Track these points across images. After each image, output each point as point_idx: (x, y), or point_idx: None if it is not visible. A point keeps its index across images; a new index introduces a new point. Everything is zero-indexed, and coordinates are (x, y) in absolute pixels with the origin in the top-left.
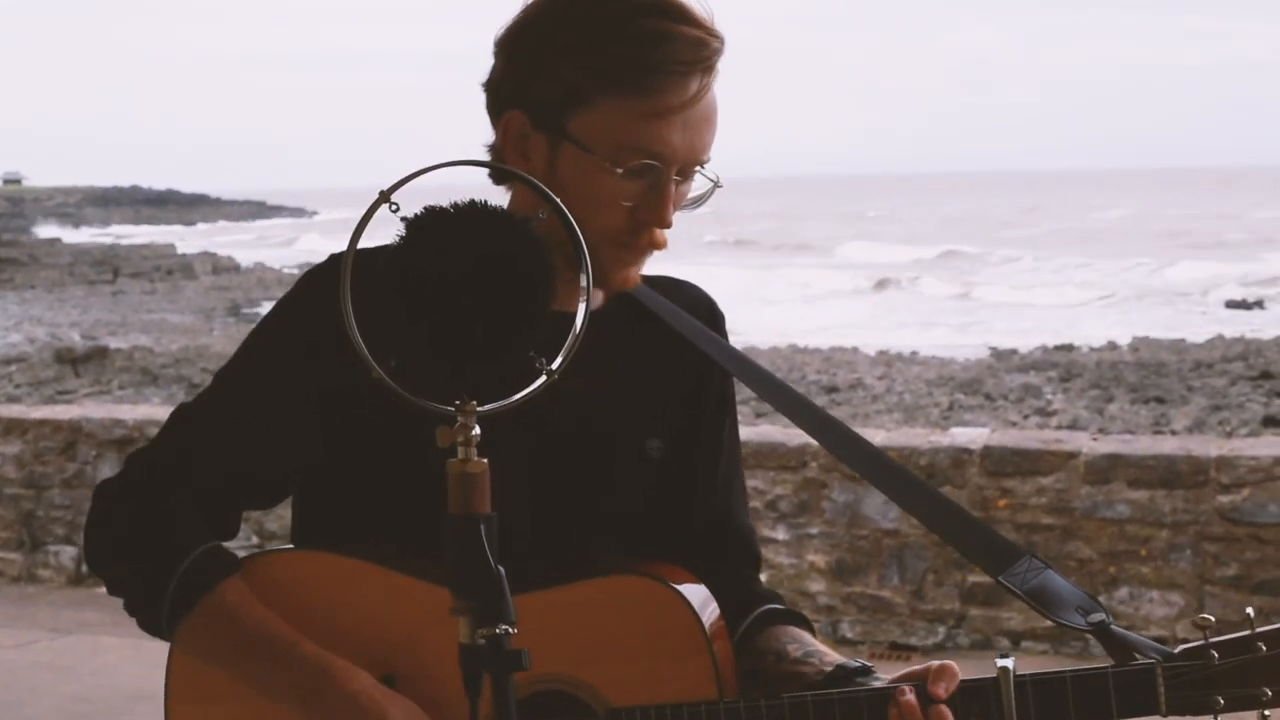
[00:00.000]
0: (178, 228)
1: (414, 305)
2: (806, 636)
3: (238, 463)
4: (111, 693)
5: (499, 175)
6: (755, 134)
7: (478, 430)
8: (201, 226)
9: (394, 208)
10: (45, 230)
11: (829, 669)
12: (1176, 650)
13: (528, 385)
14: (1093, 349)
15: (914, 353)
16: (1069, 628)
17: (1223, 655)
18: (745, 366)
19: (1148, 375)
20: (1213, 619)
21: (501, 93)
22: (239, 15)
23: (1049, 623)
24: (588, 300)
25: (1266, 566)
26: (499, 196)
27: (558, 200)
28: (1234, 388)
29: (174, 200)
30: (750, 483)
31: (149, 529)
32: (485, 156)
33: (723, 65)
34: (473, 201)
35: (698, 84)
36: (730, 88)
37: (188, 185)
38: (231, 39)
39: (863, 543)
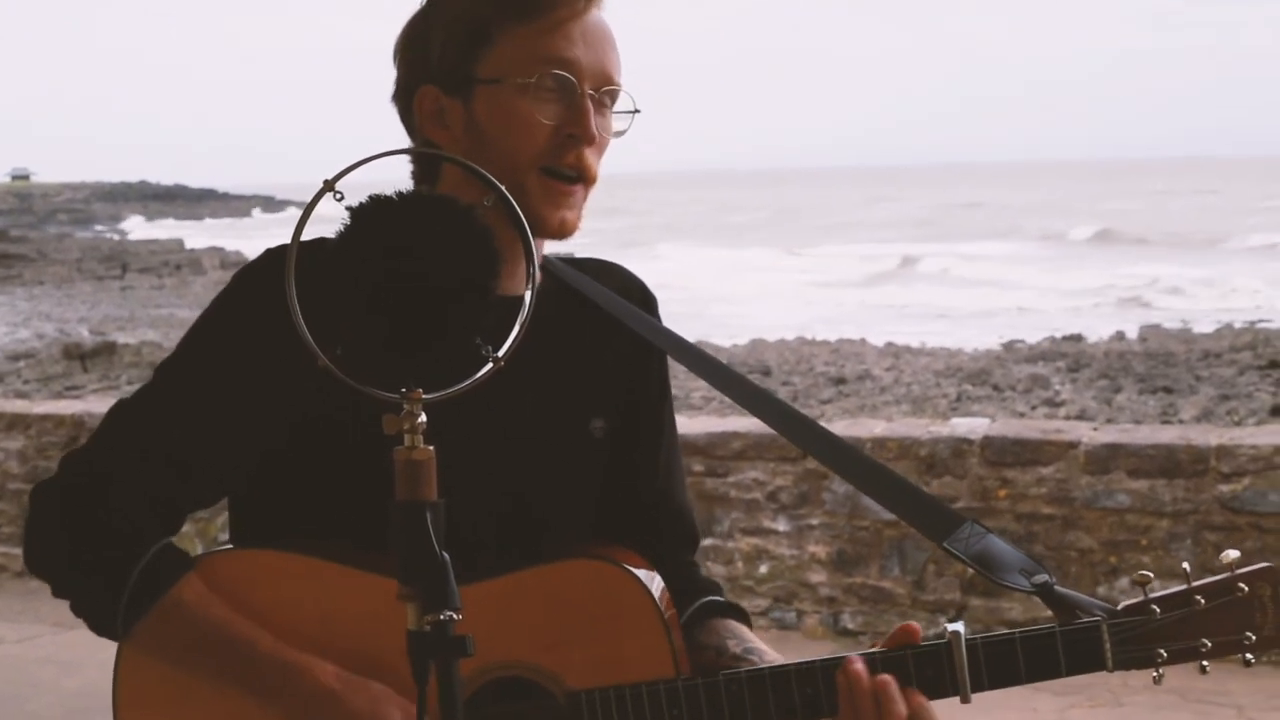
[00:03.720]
0: (187, 223)
1: (360, 293)
2: (746, 632)
3: (182, 459)
4: None
5: (421, 172)
6: (751, 128)
7: (424, 418)
8: (209, 222)
9: (338, 196)
10: (53, 226)
11: (743, 671)
12: (1119, 607)
13: (473, 372)
14: (1102, 339)
15: (922, 344)
16: (1014, 589)
17: (1163, 610)
18: (680, 346)
19: (1156, 365)
20: (1152, 576)
21: (408, 85)
22: (245, 9)
23: (1049, 612)
24: (533, 286)
25: (1268, 555)
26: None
27: (500, 186)
28: (1242, 377)
29: (182, 195)
30: (750, 474)
31: (97, 532)
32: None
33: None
34: (417, 189)
35: (584, 2)
36: (731, 83)
37: (195, 180)
38: (238, 33)
39: (863, 533)
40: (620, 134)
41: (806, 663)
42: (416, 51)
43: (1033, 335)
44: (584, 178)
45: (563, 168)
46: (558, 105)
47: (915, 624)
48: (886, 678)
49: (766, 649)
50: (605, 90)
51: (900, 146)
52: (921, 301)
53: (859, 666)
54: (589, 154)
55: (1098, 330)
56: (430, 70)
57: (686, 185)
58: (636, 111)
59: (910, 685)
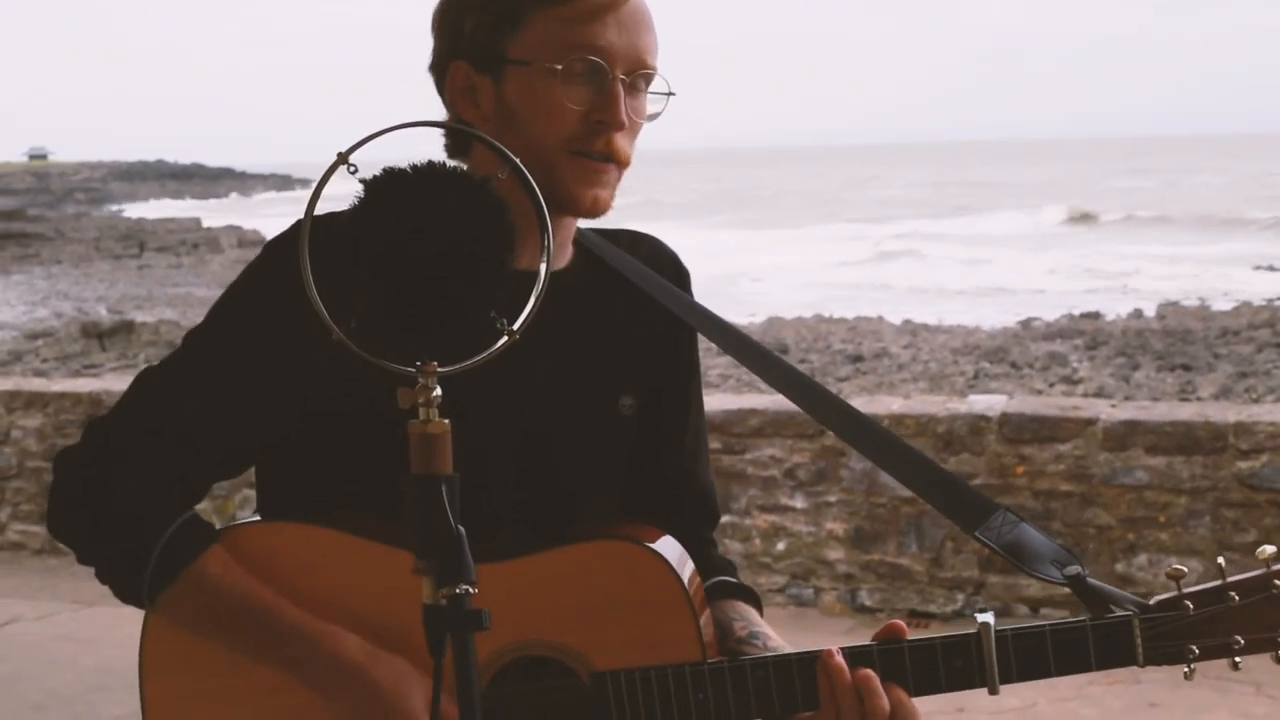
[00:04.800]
0: (207, 202)
1: (373, 267)
2: (754, 615)
3: (207, 432)
4: (133, 665)
5: (454, 144)
6: (743, 109)
7: (438, 391)
8: (227, 200)
9: (352, 169)
10: (71, 205)
11: (769, 655)
12: (1152, 602)
13: (489, 346)
14: (1120, 317)
15: (940, 321)
16: (1046, 581)
17: (1197, 606)
18: (712, 322)
19: (1174, 343)
20: (1185, 570)
21: (442, 60)
22: None
23: (1068, 590)
24: (548, 259)
25: None
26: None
27: (514, 159)
28: (1261, 355)
29: (199, 174)
30: (768, 451)
31: (121, 503)
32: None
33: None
34: (431, 162)
35: None
36: (756, 66)
37: (213, 159)
38: (258, 16)
39: (881, 510)
40: (654, 117)
41: (810, 652)
42: (450, 25)
43: (1023, 315)
44: (615, 160)
45: (592, 152)
46: (588, 90)
47: (901, 623)
48: (868, 672)
49: (772, 634)
50: (639, 73)
51: (901, 126)
52: (914, 281)
53: (839, 660)
54: (620, 138)
55: (1115, 309)
56: (463, 46)
57: (686, 164)
58: (671, 94)
59: (937, 675)
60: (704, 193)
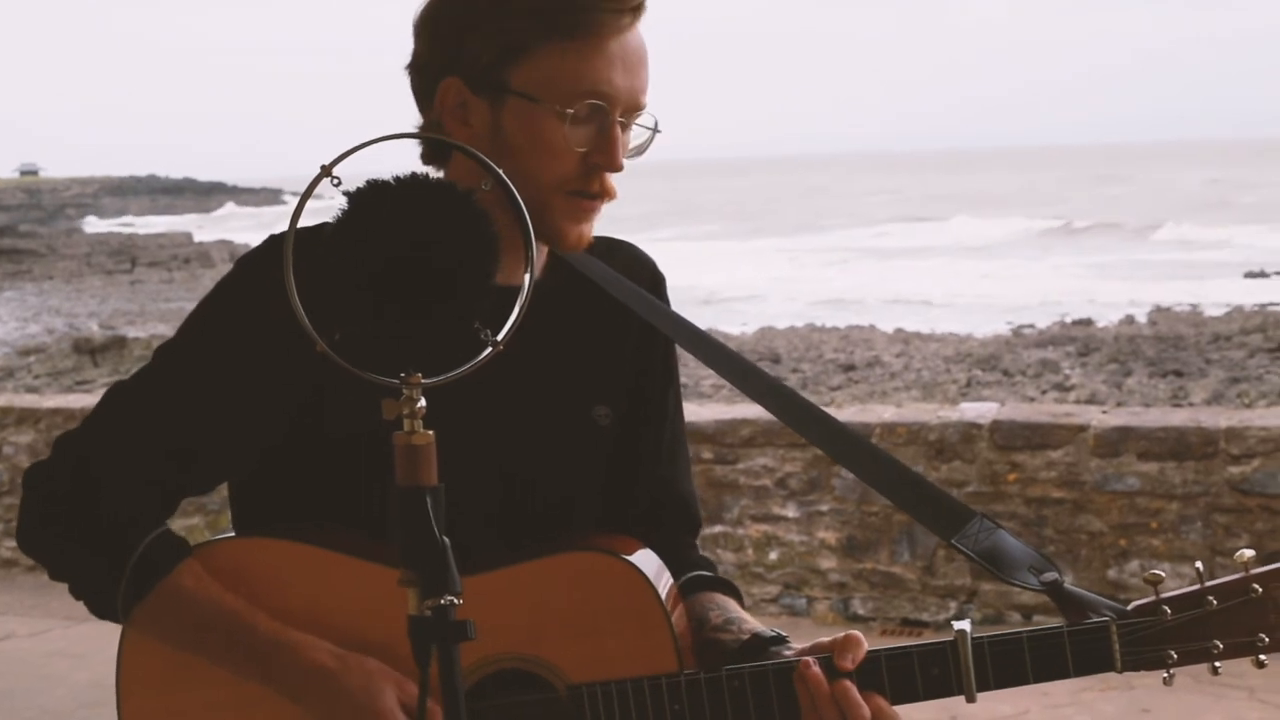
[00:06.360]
0: (194, 216)
1: (357, 279)
2: (730, 604)
3: (177, 446)
4: None
5: (431, 153)
6: (762, 115)
7: (423, 402)
8: (218, 214)
9: (335, 182)
10: (62, 221)
11: (745, 637)
12: (1129, 607)
13: (473, 357)
14: (1111, 323)
15: (932, 330)
16: (1022, 587)
17: (1175, 611)
18: (687, 331)
19: (1166, 348)
20: (1163, 575)
21: (431, 68)
22: (252, 3)
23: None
24: (532, 270)
25: (1278, 537)
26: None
27: (499, 171)
28: (1252, 360)
29: (191, 189)
30: (760, 460)
31: (91, 517)
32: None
33: (649, 21)
34: (414, 174)
35: (630, 20)
36: (742, 68)
37: (204, 174)
38: (245, 27)
39: (873, 519)
40: (640, 152)
41: (760, 665)
42: (444, 36)
43: (1014, 322)
44: (606, 195)
45: (587, 191)
46: (589, 130)
47: (857, 633)
48: (846, 682)
49: (748, 618)
50: (633, 113)
51: (876, 134)
52: (890, 290)
53: (816, 670)
54: (611, 176)
55: (1109, 316)
56: (459, 63)
57: (663, 176)
58: (657, 131)
59: (914, 684)
60: (666, 203)
